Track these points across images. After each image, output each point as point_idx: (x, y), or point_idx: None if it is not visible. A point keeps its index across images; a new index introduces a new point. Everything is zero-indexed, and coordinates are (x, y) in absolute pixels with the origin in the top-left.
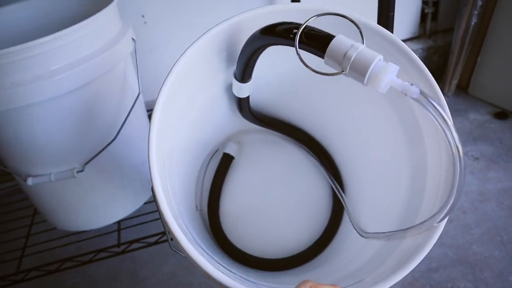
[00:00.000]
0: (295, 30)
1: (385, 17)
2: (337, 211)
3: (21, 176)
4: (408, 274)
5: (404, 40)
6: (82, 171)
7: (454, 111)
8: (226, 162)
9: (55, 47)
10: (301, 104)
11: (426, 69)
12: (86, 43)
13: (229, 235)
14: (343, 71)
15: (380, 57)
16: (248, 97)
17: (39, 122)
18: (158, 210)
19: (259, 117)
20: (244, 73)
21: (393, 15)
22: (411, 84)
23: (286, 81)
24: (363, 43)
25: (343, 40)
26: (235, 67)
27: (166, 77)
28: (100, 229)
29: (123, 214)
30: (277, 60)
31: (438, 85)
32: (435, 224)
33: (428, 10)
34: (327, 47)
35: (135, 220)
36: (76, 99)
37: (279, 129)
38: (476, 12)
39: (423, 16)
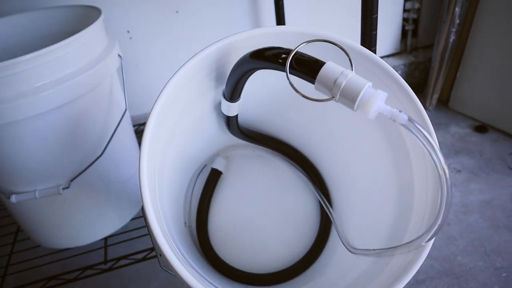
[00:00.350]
0: (284, 55)
1: (368, 36)
2: (325, 226)
3: (4, 193)
4: None
5: (385, 56)
6: (68, 187)
7: (435, 125)
8: (214, 177)
9: (41, 63)
10: (289, 122)
11: (413, 92)
12: (72, 59)
13: (218, 250)
14: (333, 97)
15: (369, 84)
16: (237, 115)
17: (23, 139)
18: (148, 230)
19: (247, 133)
20: (233, 94)
21: (376, 33)
22: (400, 111)
23: (274, 100)
24: (352, 70)
25: (333, 67)
26: (224, 86)
27: (157, 98)
28: (86, 246)
29: (110, 231)
30: (266, 80)
31: (420, 100)
32: (423, 244)
33: (409, 27)
34: (317, 73)
35: (122, 236)
36: (62, 116)
37: (268, 144)
38: (454, 30)
39: (403, 33)
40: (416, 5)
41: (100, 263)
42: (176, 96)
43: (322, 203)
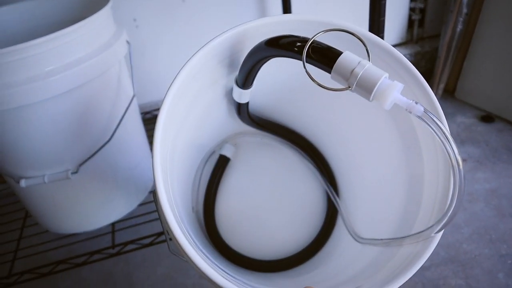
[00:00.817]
0: (300, 44)
1: (377, 22)
2: (331, 215)
3: (13, 178)
4: None
5: (392, 46)
6: (76, 172)
7: None
8: (222, 163)
9: (51, 48)
10: (299, 110)
11: (426, 83)
12: (81, 45)
13: (224, 236)
14: (349, 87)
15: (386, 75)
16: (247, 102)
17: (33, 123)
18: (159, 214)
19: (257, 120)
20: (246, 81)
21: (384, 20)
22: (416, 103)
23: (285, 88)
24: (369, 60)
25: (350, 56)
26: (236, 73)
27: (171, 85)
28: (93, 231)
29: (117, 216)
30: (278, 67)
31: None
32: (432, 235)
33: (415, 17)
34: (334, 63)
35: (129, 222)
36: (70, 101)
37: (276, 132)
38: (461, 19)
39: (410, 23)
40: None
41: (108, 248)
42: (189, 82)
43: (329, 192)
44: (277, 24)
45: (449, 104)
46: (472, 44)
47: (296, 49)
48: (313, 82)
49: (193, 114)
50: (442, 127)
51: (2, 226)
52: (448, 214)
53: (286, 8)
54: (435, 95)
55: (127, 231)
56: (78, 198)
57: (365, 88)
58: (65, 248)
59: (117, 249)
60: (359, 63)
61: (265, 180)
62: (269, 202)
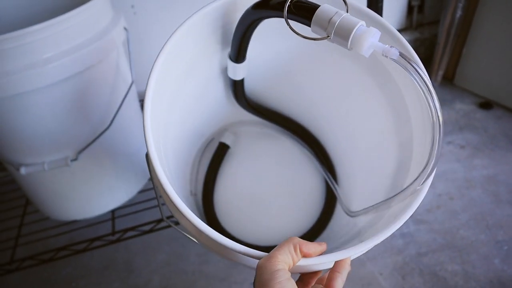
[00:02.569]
0: (280, 2)
1: (375, 7)
2: (330, 199)
3: (13, 165)
4: (398, 258)
5: None
6: (76, 159)
7: (440, 101)
8: (221, 150)
9: (48, 35)
10: (292, 91)
11: (411, 48)
12: (78, 31)
13: (223, 221)
14: (328, 36)
15: (362, 22)
16: (242, 81)
17: (31, 110)
18: (150, 171)
19: (253, 105)
20: (238, 53)
21: (382, 5)
22: (391, 47)
23: (277, 65)
24: (347, 12)
25: (328, 8)
26: (229, 49)
27: (160, 50)
28: (92, 218)
29: (117, 203)
30: (268, 44)
31: None
32: (418, 187)
33: (415, 3)
34: (313, 14)
35: (129, 209)
36: (69, 88)
37: (273, 119)
38: (460, 5)
39: (409, 9)
40: None
41: (108, 235)
42: (181, 50)
43: (326, 176)
44: None
45: (448, 91)
46: (472, 30)
47: (278, 7)
48: (300, 55)
49: (188, 88)
50: (419, 70)
51: (3, 213)
52: (431, 165)
53: None
54: (434, 82)
55: (127, 218)
56: (78, 185)
57: (342, 36)
58: (66, 235)
59: (117, 235)
60: (336, 12)
61: (264, 168)
62: (268, 189)
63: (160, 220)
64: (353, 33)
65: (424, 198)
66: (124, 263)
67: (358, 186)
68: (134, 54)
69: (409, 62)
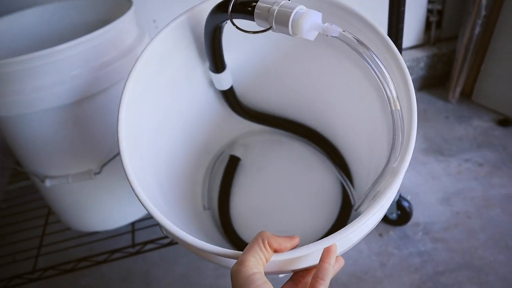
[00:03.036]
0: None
1: (395, 29)
2: (347, 200)
3: (39, 177)
4: (415, 277)
5: (408, 48)
6: (99, 173)
7: (458, 118)
8: (232, 163)
9: (76, 53)
10: (287, 93)
11: (389, 39)
12: (105, 49)
13: (241, 232)
14: (270, 27)
15: (301, 7)
16: (232, 91)
17: (59, 125)
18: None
19: (252, 113)
20: (215, 62)
21: (403, 26)
22: (331, 25)
23: (266, 69)
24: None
25: (265, 0)
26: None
27: (126, 80)
28: (113, 230)
29: (137, 216)
30: (251, 48)
31: (443, 92)
32: (394, 165)
33: (433, 18)
34: (254, 9)
35: (148, 221)
36: (95, 104)
37: (276, 125)
38: (479, 21)
39: (427, 24)
40: None
41: (128, 247)
42: (159, 64)
43: (339, 176)
44: None
45: (465, 108)
46: (490, 46)
47: (226, 9)
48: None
49: (178, 104)
50: (362, 48)
51: (26, 223)
52: (398, 148)
53: None
54: (451, 98)
55: (147, 230)
56: (100, 197)
57: (282, 23)
58: (86, 246)
59: (136, 248)
60: (274, 2)
61: (276, 175)
62: (283, 196)
63: None
64: (291, 18)
65: (441, 215)
66: (142, 275)
67: (366, 172)
68: None
69: (354, 38)
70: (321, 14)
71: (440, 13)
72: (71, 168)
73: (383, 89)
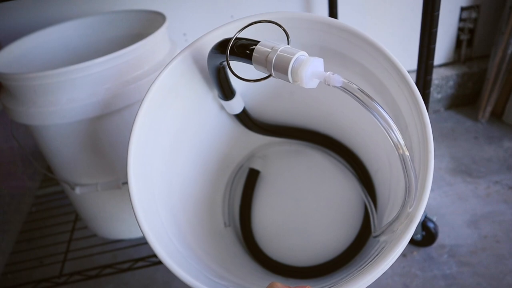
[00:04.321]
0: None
1: (426, 48)
2: (368, 213)
3: (69, 184)
4: None
5: (438, 66)
6: (126, 183)
7: (488, 138)
8: (252, 177)
9: (111, 66)
10: (301, 107)
11: (407, 75)
12: (139, 63)
13: (264, 247)
14: (270, 74)
15: (302, 53)
16: (245, 112)
17: (90, 136)
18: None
19: (267, 127)
20: (223, 92)
21: (434, 47)
22: (333, 74)
23: (275, 82)
24: (288, 44)
25: (265, 44)
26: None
27: (137, 112)
28: (137, 239)
29: None
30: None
31: (472, 112)
32: (409, 211)
33: (464, 37)
34: (252, 54)
35: None
36: (126, 116)
37: (294, 136)
38: None
39: (458, 43)
40: (473, 15)
41: (152, 256)
42: (167, 95)
43: (361, 190)
44: (230, 32)
45: (496, 128)
46: None
47: (224, 50)
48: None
49: (189, 131)
50: (367, 97)
51: (54, 228)
52: (413, 194)
53: (333, 13)
54: (482, 118)
55: None
56: (126, 206)
57: (282, 71)
58: (111, 253)
59: None
60: (272, 48)
61: (297, 187)
62: (305, 208)
63: None
64: (290, 65)
65: (468, 238)
66: (163, 285)
67: (387, 186)
68: None
69: (357, 89)
70: (322, 60)
71: (471, 31)
72: (100, 177)
73: (388, 137)
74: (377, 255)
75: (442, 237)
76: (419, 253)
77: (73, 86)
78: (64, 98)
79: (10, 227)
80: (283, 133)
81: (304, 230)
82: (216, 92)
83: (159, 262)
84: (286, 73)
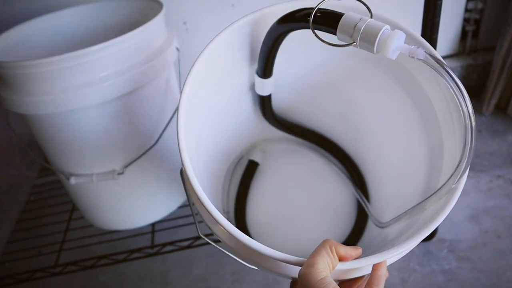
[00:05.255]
0: (305, 13)
1: (428, 39)
2: (362, 212)
3: (64, 174)
4: None
5: (442, 57)
6: (122, 173)
7: (491, 132)
8: (251, 168)
9: (106, 54)
10: (318, 106)
11: (436, 52)
12: (134, 51)
13: (255, 237)
14: (354, 42)
15: (387, 26)
16: (270, 98)
17: (85, 125)
18: (186, 188)
19: (281, 121)
20: (265, 67)
21: (437, 37)
22: (417, 47)
23: (303, 81)
24: (371, 17)
25: (352, 15)
26: (256, 65)
27: (191, 69)
28: (133, 230)
29: (158, 217)
30: (297, 61)
31: (476, 104)
32: (452, 186)
33: (469, 28)
34: (338, 23)
35: (169, 223)
36: (121, 105)
37: (301, 134)
38: None
39: (463, 34)
40: (480, 5)
41: (147, 247)
42: (212, 66)
43: (355, 191)
44: (293, 8)
45: (500, 121)
46: None
47: (303, 18)
48: (326, 73)
49: (218, 104)
50: (449, 70)
51: (52, 217)
52: (464, 162)
53: None
54: (486, 111)
55: (167, 232)
56: (122, 197)
57: (368, 40)
58: (107, 244)
59: (155, 249)
60: (360, 19)
61: (293, 184)
62: (299, 204)
63: (197, 237)
64: (378, 37)
65: (468, 233)
66: (160, 275)
67: (390, 195)
68: (184, 71)
69: (437, 62)
70: (405, 35)
71: (477, 22)
72: (96, 168)
73: (459, 105)
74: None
75: (442, 232)
76: (418, 248)
77: (67, 75)
78: (57, 87)
79: (7, 216)
80: (290, 128)
81: (295, 226)
82: (253, 69)
83: (155, 253)
84: (374, 43)
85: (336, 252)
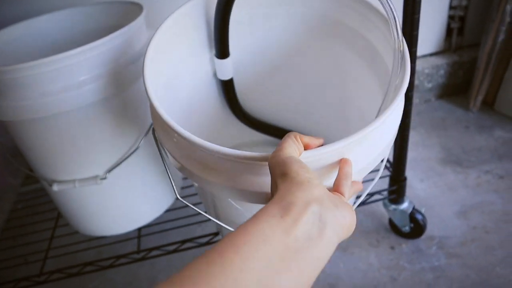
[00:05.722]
0: None
1: (409, 36)
2: None
3: (47, 181)
4: None
5: (428, 55)
6: (105, 178)
7: (479, 128)
8: None
9: (85, 58)
10: (284, 93)
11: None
12: (114, 55)
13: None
14: None
15: None
16: (232, 84)
17: (65, 130)
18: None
19: (250, 118)
20: (220, 44)
21: (417, 34)
22: None
23: (265, 60)
24: None
25: None
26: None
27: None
28: (120, 235)
29: (144, 221)
30: (248, 45)
31: (463, 101)
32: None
33: (454, 25)
34: None
35: (155, 227)
36: (102, 109)
37: (270, 132)
38: (503, 28)
39: (448, 31)
40: (464, 2)
41: (133, 253)
42: (168, 40)
43: None
44: None
45: (487, 117)
46: None
47: None
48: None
49: (181, 90)
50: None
51: (36, 225)
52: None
53: None
54: (473, 107)
55: (153, 236)
56: (106, 202)
57: None
58: (94, 250)
59: (142, 254)
60: None
61: None
62: None
63: (184, 241)
64: None
65: (457, 230)
66: (147, 280)
67: None
68: None
69: None
70: None
71: (462, 19)
72: (78, 173)
73: (391, 30)
74: None
75: (431, 229)
76: (407, 245)
77: (46, 80)
78: (37, 92)
79: None
80: (259, 126)
81: None
82: (210, 55)
83: (142, 259)
84: None
85: (301, 140)
